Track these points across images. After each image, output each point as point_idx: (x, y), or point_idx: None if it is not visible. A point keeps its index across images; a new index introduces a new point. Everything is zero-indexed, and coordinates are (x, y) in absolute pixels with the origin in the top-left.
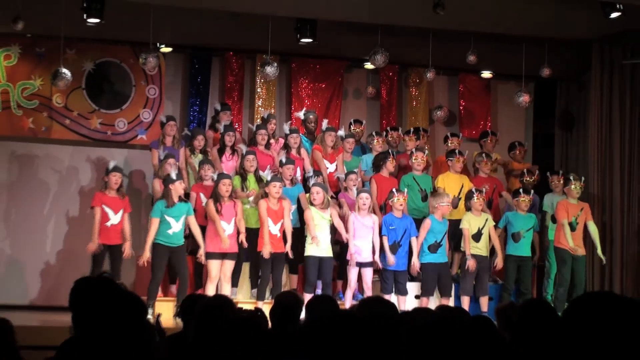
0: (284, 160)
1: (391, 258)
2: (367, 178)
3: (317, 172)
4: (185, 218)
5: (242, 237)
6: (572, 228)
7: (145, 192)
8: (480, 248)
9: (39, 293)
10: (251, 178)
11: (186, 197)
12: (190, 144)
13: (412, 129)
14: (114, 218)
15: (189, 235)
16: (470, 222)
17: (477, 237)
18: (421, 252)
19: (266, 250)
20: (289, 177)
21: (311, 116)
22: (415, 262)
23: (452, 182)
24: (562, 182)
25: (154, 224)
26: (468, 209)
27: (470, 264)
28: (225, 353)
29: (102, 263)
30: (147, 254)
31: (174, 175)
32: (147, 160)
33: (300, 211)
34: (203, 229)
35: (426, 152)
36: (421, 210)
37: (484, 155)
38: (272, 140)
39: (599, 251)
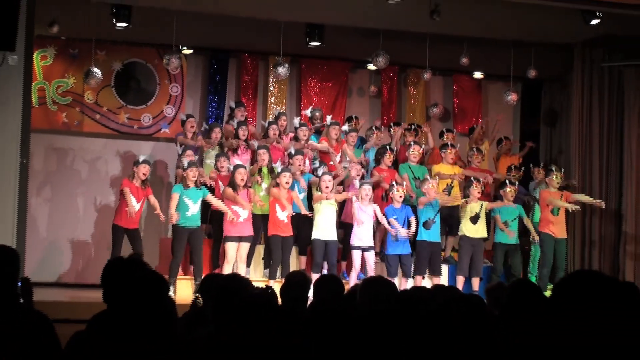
0: (293, 152)
1: (402, 230)
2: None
3: (322, 162)
4: (203, 200)
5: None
6: (555, 213)
7: (167, 181)
8: (477, 231)
9: (69, 272)
10: (264, 170)
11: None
12: (208, 137)
13: (412, 126)
14: (136, 206)
15: (210, 220)
16: (470, 207)
17: (475, 219)
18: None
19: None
20: (299, 167)
21: (317, 113)
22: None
23: (445, 171)
24: (542, 173)
25: (174, 198)
26: (466, 196)
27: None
28: (240, 328)
29: (121, 244)
30: (174, 215)
31: (185, 164)
32: (170, 152)
33: (309, 198)
34: (221, 212)
35: (422, 146)
36: (415, 195)
37: (474, 149)
38: (283, 136)
39: (596, 200)
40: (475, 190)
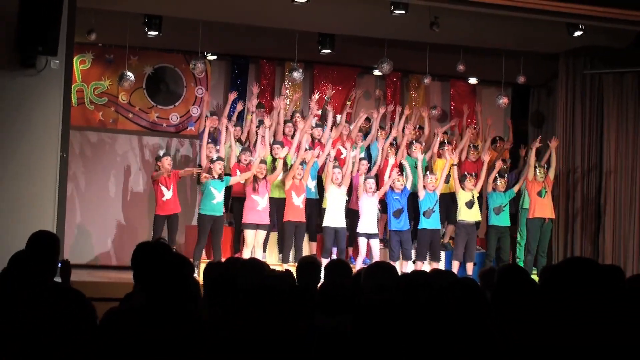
0: (307, 147)
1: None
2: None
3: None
4: (226, 187)
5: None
6: (541, 195)
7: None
8: (471, 215)
9: (103, 254)
10: (279, 161)
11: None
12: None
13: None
14: (168, 193)
15: (231, 209)
16: (465, 194)
17: (470, 204)
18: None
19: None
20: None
21: (327, 107)
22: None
23: (443, 164)
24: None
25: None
26: (462, 188)
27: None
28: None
29: (162, 230)
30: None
31: (215, 158)
32: (195, 147)
33: (319, 186)
34: (241, 201)
35: (422, 143)
36: (415, 183)
37: (471, 146)
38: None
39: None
40: (470, 183)
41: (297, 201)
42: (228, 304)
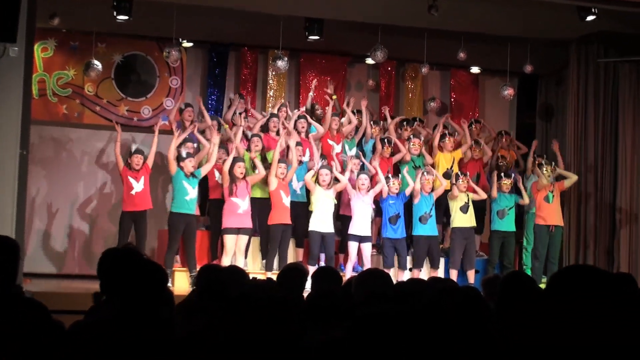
0: (294, 144)
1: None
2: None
3: (323, 155)
4: (203, 188)
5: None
6: (548, 200)
7: (164, 171)
8: (467, 220)
9: (67, 262)
10: (257, 157)
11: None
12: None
13: (405, 121)
14: (137, 186)
15: (208, 212)
16: (459, 197)
17: (464, 208)
18: (413, 225)
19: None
20: (299, 158)
21: (317, 106)
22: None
23: (444, 159)
24: (533, 163)
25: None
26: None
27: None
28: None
29: (129, 230)
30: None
31: (184, 154)
32: (168, 144)
33: (307, 191)
34: (219, 203)
35: (422, 138)
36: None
37: (473, 143)
38: (284, 125)
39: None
40: (462, 185)
41: (287, 201)
42: (216, 313)
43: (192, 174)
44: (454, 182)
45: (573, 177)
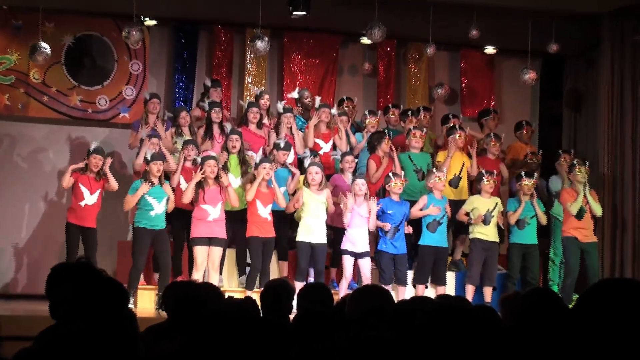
0: (282, 145)
1: (387, 224)
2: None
3: (314, 151)
4: (167, 199)
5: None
6: (580, 215)
7: (127, 174)
8: (488, 233)
9: (13, 281)
10: (233, 159)
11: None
12: (175, 124)
13: (410, 111)
14: (90, 198)
15: (171, 218)
16: (479, 205)
17: (486, 220)
18: (422, 233)
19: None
20: (282, 162)
21: (306, 93)
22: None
23: (453, 160)
24: (566, 163)
25: (129, 200)
26: (477, 192)
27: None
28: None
29: (77, 247)
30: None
31: (149, 156)
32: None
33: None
34: (188, 214)
35: (424, 130)
36: (417, 190)
37: (492, 135)
38: (265, 120)
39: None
40: (487, 185)
41: (264, 212)
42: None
43: (159, 181)
44: (478, 183)
45: (598, 210)
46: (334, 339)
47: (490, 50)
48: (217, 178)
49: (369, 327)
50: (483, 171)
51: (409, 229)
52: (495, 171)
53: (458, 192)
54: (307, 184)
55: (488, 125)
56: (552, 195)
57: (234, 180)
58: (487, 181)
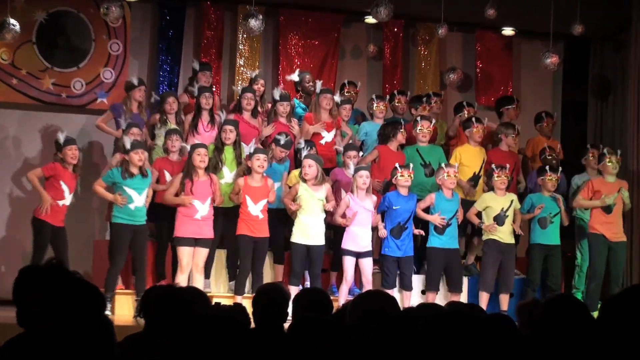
0: (282, 142)
1: (382, 229)
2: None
3: (310, 142)
4: (149, 182)
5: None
6: (609, 210)
7: (104, 167)
8: (503, 234)
9: None
10: (228, 152)
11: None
12: (160, 110)
13: (424, 97)
14: (69, 198)
15: (154, 216)
16: (492, 204)
17: (500, 219)
18: (429, 233)
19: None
20: (279, 158)
21: (307, 76)
22: (435, 219)
23: (471, 156)
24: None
25: (99, 183)
26: (491, 188)
27: (490, 228)
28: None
29: (47, 247)
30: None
31: (128, 144)
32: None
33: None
34: (172, 209)
35: (433, 121)
36: (425, 186)
37: (510, 126)
38: (259, 108)
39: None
40: (499, 181)
41: (255, 210)
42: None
43: (140, 171)
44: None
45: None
46: (334, 342)
47: (508, 31)
48: (207, 169)
49: (371, 331)
50: (493, 165)
51: (419, 232)
52: (507, 165)
53: (479, 193)
54: (302, 178)
55: (509, 115)
56: (574, 194)
57: (229, 175)
58: (497, 176)
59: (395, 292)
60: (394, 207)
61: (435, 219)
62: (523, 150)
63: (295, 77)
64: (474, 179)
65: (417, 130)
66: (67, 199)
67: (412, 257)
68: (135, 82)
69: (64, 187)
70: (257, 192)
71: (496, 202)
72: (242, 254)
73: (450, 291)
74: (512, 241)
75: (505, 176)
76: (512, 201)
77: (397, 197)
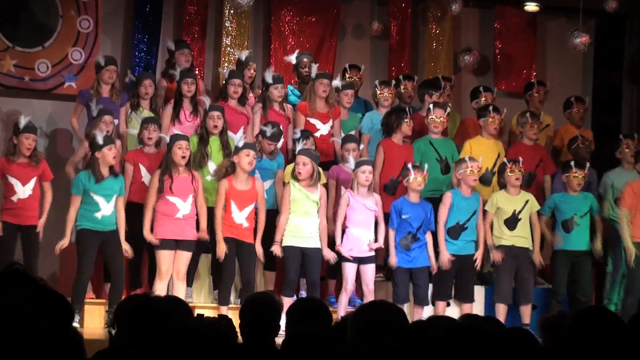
0: (268, 133)
1: (393, 259)
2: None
3: (306, 132)
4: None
5: (202, 232)
6: None
7: (72, 157)
8: (517, 238)
9: None
10: (214, 142)
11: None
12: (135, 94)
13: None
14: (22, 191)
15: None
16: (503, 203)
17: (511, 223)
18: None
19: (219, 249)
20: (269, 152)
21: (305, 59)
22: (444, 257)
23: (485, 149)
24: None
25: (74, 202)
26: (503, 186)
27: (495, 256)
28: None
29: (11, 250)
30: (66, 241)
31: (100, 140)
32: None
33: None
34: (141, 207)
35: (448, 109)
36: (440, 185)
37: (528, 115)
38: (250, 94)
39: None
40: (512, 177)
41: (239, 217)
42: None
43: (111, 171)
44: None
45: None
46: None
47: (531, 7)
48: (188, 164)
49: (373, 341)
50: (505, 160)
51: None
52: (520, 158)
53: (494, 190)
54: (294, 176)
55: (532, 102)
56: (607, 192)
57: (214, 168)
58: (510, 172)
59: (405, 307)
60: (402, 216)
61: (444, 257)
62: (551, 143)
63: (293, 59)
64: (488, 176)
65: (429, 120)
66: (22, 193)
67: (427, 268)
68: (102, 61)
69: (13, 180)
70: (244, 196)
71: (508, 202)
72: (225, 257)
73: (460, 301)
74: (528, 245)
75: (519, 171)
76: (527, 201)
77: (406, 205)
